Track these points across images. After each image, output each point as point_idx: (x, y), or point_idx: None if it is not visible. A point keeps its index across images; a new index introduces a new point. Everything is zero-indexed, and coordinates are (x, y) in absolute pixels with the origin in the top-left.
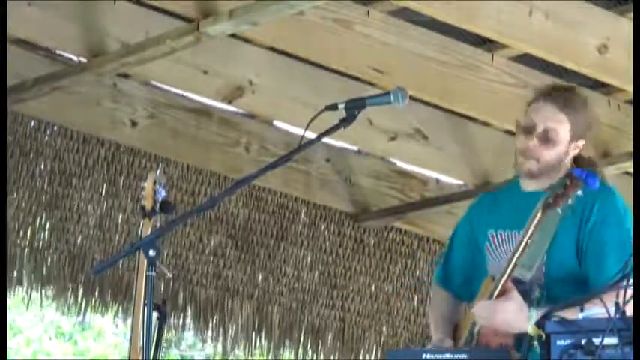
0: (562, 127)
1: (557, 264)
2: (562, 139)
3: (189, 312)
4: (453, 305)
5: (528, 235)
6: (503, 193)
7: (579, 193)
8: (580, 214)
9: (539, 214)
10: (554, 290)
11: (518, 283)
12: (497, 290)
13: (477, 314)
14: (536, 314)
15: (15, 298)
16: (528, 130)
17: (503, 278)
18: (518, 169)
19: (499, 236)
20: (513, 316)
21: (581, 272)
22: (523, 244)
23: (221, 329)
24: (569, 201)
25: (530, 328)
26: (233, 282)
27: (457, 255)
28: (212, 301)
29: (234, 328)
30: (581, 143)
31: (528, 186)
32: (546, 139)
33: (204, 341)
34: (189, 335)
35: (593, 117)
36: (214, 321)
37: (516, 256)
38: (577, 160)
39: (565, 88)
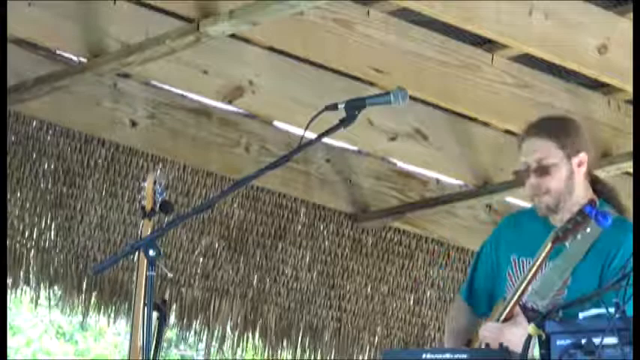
0: (551, 150)
1: (575, 296)
2: (557, 161)
3: (174, 312)
4: (471, 319)
5: (537, 264)
6: (531, 219)
7: (589, 230)
8: (606, 252)
9: (548, 246)
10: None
11: (529, 310)
12: (505, 314)
13: (482, 335)
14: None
15: (23, 299)
16: (526, 173)
17: (511, 303)
18: (538, 212)
19: (521, 262)
20: (518, 340)
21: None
22: (531, 273)
23: (213, 328)
24: (578, 236)
25: (530, 328)
26: (224, 282)
27: (481, 275)
28: (199, 301)
29: (224, 328)
30: (583, 156)
31: (555, 220)
32: (542, 170)
33: (195, 341)
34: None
35: (582, 128)
36: (202, 321)
37: (524, 283)
38: (595, 182)
39: (541, 119)
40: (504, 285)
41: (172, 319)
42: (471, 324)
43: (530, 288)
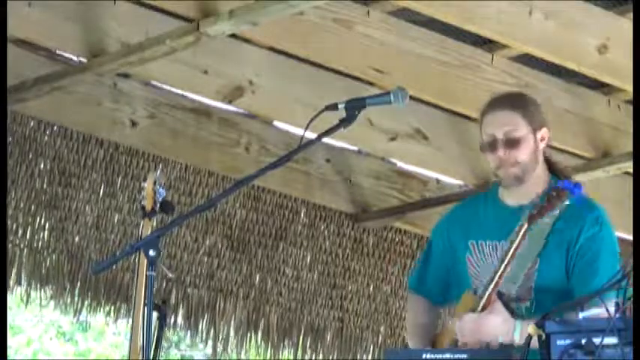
0: (518, 123)
1: (546, 279)
2: (524, 133)
3: (181, 312)
4: (430, 312)
5: (514, 246)
6: (482, 203)
7: (567, 202)
8: (570, 231)
9: (524, 227)
10: (543, 304)
11: (501, 295)
12: (483, 302)
13: (460, 327)
14: (521, 325)
15: (14, 298)
16: (493, 145)
17: (488, 291)
18: (504, 183)
19: (480, 246)
20: (499, 329)
21: (568, 287)
22: (509, 255)
23: (219, 329)
24: (557, 211)
25: (530, 328)
26: (229, 282)
27: (434, 264)
28: (205, 302)
29: (229, 328)
30: (545, 131)
31: (509, 198)
32: (511, 141)
33: (201, 341)
34: (187, 336)
35: (539, 105)
36: (209, 321)
37: (502, 267)
38: (551, 165)
39: (504, 94)
40: (464, 271)
41: (179, 319)
42: (431, 317)
43: (483, 274)
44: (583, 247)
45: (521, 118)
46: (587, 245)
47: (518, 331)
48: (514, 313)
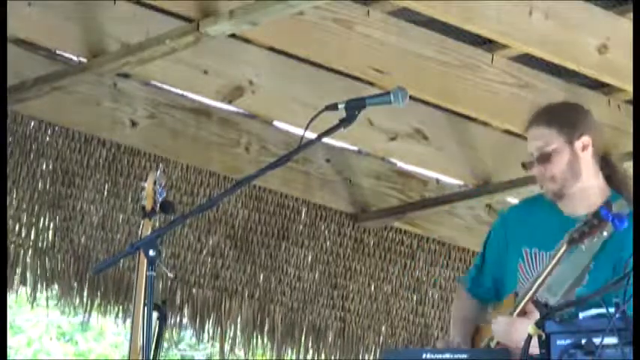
0: (550, 137)
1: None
2: (556, 147)
3: (186, 312)
4: (478, 310)
5: (552, 264)
6: (539, 207)
7: (605, 234)
8: (619, 249)
9: (563, 247)
10: None
11: (541, 305)
12: (519, 309)
13: (494, 329)
14: None
15: (19, 299)
16: (531, 163)
17: (525, 299)
18: (549, 197)
19: (533, 254)
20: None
21: None
22: (547, 271)
23: (225, 329)
24: (595, 239)
25: (530, 328)
26: (233, 282)
27: (489, 265)
28: (211, 302)
29: (235, 328)
30: (586, 139)
31: (566, 208)
32: (543, 157)
33: (209, 340)
34: (188, 335)
35: (586, 112)
36: (215, 321)
37: (539, 280)
38: (607, 165)
39: (543, 107)
40: (515, 277)
41: (185, 319)
42: (477, 315)
43: (526, 284)
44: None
45: (552, 132)
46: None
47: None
48: None
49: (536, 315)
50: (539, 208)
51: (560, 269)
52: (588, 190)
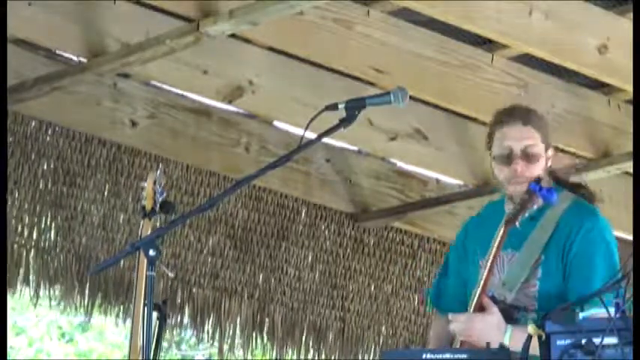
0: (536, 139)
1: (547, 290)
2: (540, 150)
3: (187, 312)
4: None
5: (493, 251)
6: (489, 216)
7: (535, 206)
8: (565, 237)
9: (501, 231)
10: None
11: (497, 302)
12: (473, 304)
13: (453, 328)
14: (512, 330)
15: (22, 299)
16: (508, 157)
17: (477, 292)
18: (513, 197)
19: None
20: (490, 330)
21: (567, 291)
22: (490, 260)
23: (225, 328)
24: (526, 214)
25: (530, 328)
26: (233, 282)
27: (451, 279)
28: (210, 301)
29: (235, 328)
30: (551, 152)
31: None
32: (528, 156)
33: (208, 340)
34: (192, 336)
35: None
36: (215, 321)
37: (485, 272)
38: (555, 175)
39: (519, 106)
40: (477, 279)
41: (185, 319)
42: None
43: (496, 279)
44: (578, 252)
45: (538, 135)
46: (582, 248)
47: (508, 336)
48: (514, 320)
49: (494, 308)
50: (489, 212)
51: (513, 266)
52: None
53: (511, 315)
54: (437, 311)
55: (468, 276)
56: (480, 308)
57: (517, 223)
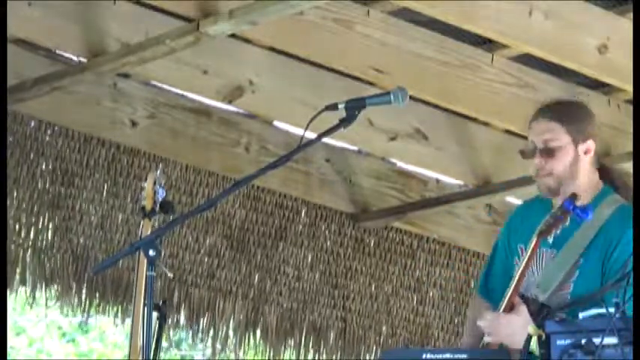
0: (558, 133)
1: (580, 293)
2: (563, 144)
3: (182, 312)
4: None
5: (526, 258)
6: (537, 206)
7: (567, 224)
8: (608, 243)
9: (534, 241)
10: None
11: (530, 301)
12: (504, 305)
13: (482, 326)
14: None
15: (18, 299)
16: (532, 152)
17: (508, 294)
18: (541, 192)
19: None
20: (518, 330)
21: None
22: (522, 265)
23: (218, 328)
24: (558, 231)
25: (530, 328)
26: (229, 282)
27: (497, 268)
28: (206, 302)
29: (228, 328)
30: (590, 143)
31: (558, 202)
32: (547, 151)
33: (203, 340)
34: (188, 335)
35: (593, 116)
36: (210, 321)
37: (517, 274)
38: (604, 171)
39: (554, 101)
40: (513, 274)
41: (182, 319)
42: None
43: (530, 279)
44: (620, 259)
45: (562, 128)
46: (622, 257)
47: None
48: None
49: (523, 308)
50: (537, 207)
51: (550, 265)
52: (581, 188)
53: (542, 315)
54: (479, 296)
55: (509, 266)
56: (511, 308)
57: (549, 238)
